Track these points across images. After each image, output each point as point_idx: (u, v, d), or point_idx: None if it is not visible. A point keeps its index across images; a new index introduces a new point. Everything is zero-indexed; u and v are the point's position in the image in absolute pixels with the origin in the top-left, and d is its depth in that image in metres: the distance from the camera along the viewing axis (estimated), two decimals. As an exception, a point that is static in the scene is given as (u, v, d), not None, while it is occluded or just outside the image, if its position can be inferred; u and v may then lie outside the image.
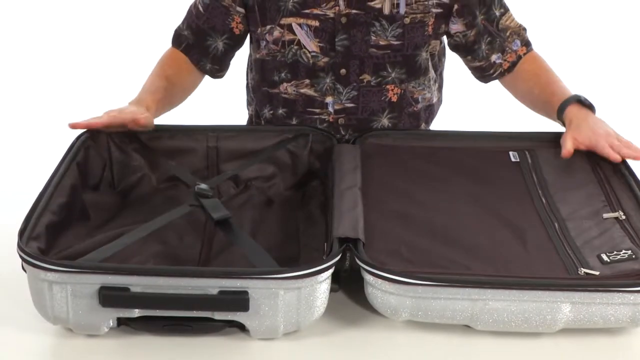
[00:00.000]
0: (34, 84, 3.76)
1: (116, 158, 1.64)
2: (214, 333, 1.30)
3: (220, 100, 2.86)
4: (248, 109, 1.97)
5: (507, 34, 1.78)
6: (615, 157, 1.56)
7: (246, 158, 1.67)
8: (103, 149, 1.63)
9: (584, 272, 1.32)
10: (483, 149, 1.65)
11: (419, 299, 1.28)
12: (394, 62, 1.73)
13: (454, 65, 1.88)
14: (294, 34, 1.70)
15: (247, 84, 1.94)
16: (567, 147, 1.59)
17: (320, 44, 1.70)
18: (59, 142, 1.65)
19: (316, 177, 1.67)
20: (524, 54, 1.80)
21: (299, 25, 1.68)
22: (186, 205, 1.45)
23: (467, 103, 1.93)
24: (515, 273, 1.30)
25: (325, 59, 1.72)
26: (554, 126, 1.69)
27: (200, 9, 1.76)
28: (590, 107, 1.67)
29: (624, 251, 1.35)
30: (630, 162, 1.57)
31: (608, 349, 1.33)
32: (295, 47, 1.72)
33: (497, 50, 1.78)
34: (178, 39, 1.81)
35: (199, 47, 1.78)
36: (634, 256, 1.34)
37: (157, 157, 1.64)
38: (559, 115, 1.68)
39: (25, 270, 1.28)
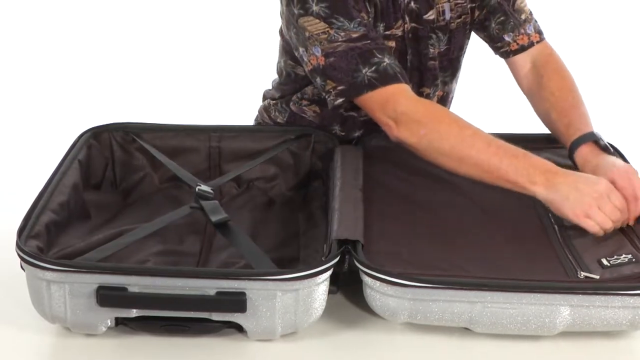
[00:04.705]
0: (35, 82, 3.76)
1: (118, 157, 1.65)
2: (212, 334, 1.30)
3: (222, 101, 2.87)
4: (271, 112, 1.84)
5: (523, 17, 1.74)
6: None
7: (248, 158, 1.66)
8: (105, 148, 1.64)
9: (584, 275, 1.31)
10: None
11: (417, 301, 1.27)
12: (441, 67, 1.73)
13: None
14: None
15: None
16: None
17: None
18: (61, 140, 1.65)
19: (318, 177, 1.67)
20: (537, 41, 1.75)
21: None
22: (187, 207, 1.45)
23: (468, 104, 1.92)
24: (515, 276, 1.30)
25: None
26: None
27: (364, 32, 1.54)
28: (605, 148, 1.56)
29: (624, 255, 1.34)
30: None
31: (608, 352, 1.32)
32: None
33: (508, 30, 1.74)
34: (385, 74, 1.53)
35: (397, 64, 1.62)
36: (634, 260, 1.33)
37: (159, 156, 1.64)
38: (570, 154, 1.59)
39: (24, 269, 1.28)
